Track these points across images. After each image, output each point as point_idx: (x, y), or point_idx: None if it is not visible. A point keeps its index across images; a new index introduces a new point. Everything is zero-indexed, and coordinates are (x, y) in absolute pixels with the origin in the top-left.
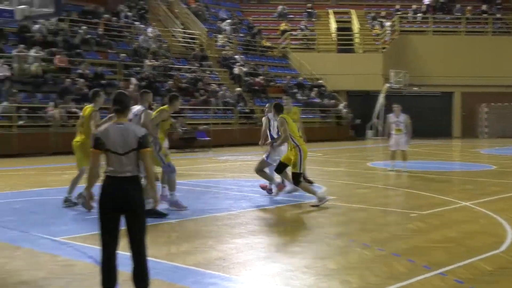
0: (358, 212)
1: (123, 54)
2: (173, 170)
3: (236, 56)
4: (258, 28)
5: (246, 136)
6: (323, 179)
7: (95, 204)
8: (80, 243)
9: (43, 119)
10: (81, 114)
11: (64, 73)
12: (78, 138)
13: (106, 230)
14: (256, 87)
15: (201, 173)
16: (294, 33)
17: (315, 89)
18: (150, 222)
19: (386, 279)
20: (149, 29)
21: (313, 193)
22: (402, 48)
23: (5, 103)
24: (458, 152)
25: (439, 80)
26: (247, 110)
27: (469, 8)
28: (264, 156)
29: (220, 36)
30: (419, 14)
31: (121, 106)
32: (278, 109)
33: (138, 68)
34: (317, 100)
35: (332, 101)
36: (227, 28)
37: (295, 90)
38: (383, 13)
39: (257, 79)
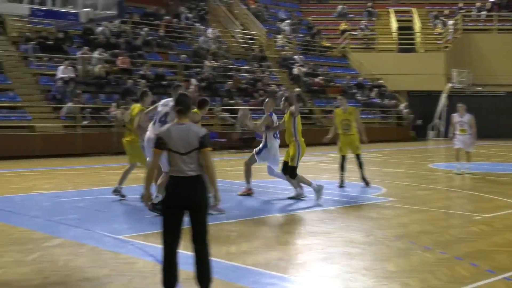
0: (419, 214)
1: (184, 55)
2: None
3: (295, 57)
4: (317, 28)
5: (305, 136)
6: (383, 180)
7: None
8: (141, 241)
9: (106, 119)
10: (129, 112)
11: (126, 74)
12: (127, 137)
13: (169, 229)
14: (315, 88)
15: (260, 174)
16: (354, 32)
17: (375, 89)
18: (210, 221)
19: (448, 283)
20: (209, 30)
21: (309, 184)
22: (465, 47)
23: (69, 104)
24: None
25: (503, 79)
26: (306, 111)
27: None
28: (254, 150)
29: (279, 36)
30: (483, 12)
31: (183, 106)
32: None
33: (198, 69)
34: (377, 101)
35: (393, 102)
36: (287, 28)
37: (355, 90)
38: (446, 12)
39: (316, 80)
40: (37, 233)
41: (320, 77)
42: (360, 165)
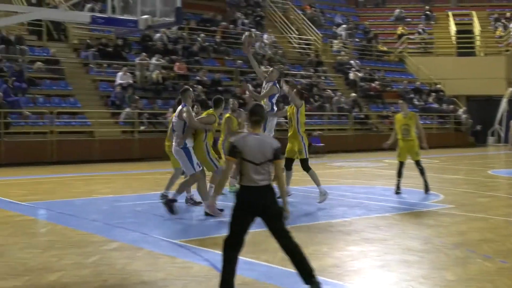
0: (478, 221)
1: (240, 61)
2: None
3: (352, 61)
4: (374, 33)
5: (361, 142)
6: (441, 186)
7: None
8: (197, 246)
9: (163, 124)
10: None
11: (182, 80)
12: (168, 143)
13: (236, 234)
14: (371, 93)
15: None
16: (411, 36)
17: (433, 94)
18: (262, 227)
19: None
20: (265, 36)
21: (319, 184)
22: None
23: (127, 109)
24: None
25: None
26: (362, 116)
27: None
28: None
29: (335, 41)
30: None
31: (259, 117)
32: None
33: (253, 75)
34: (435, 106)
35: (451, 107)
36: (343, 33)
37: (412, 95)
38: (507, 14)
39: (373, 84)
40: (96, 236)
41: (377, 82)
42: (422, 171)
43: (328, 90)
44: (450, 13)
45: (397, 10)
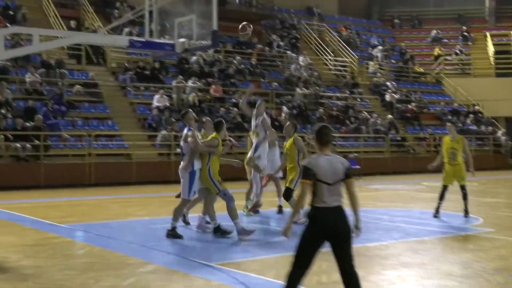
0: None
1: (275, 83)
2: (230, 198)
3: (388, 83)
4: (410, 54)
5: (398, 164)
6: (480, 210)
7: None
8: (233, 269)
9: None
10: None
11: (219, 103)
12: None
13: (305, 256)
14: (408, 114)
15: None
16: (448, 57)
17: (471, 115)
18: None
19: None
20: (301, 58)
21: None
22: None
23: (163, 132)
24: None
25: None
26: (398, 138)
27: None
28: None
29: (371, 63)
30: None
31: (328, 138)
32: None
33: (289, 97)
34: (473, 127)
35: (490, 128)
36: (379, 54)
37: (450, 117)
38: None
39: (410, 106)
40: (132, 258)
41: (413, 104)
42: (465, 195)
43: (364, 112)
44: (488, 33)
45: (434, 31)
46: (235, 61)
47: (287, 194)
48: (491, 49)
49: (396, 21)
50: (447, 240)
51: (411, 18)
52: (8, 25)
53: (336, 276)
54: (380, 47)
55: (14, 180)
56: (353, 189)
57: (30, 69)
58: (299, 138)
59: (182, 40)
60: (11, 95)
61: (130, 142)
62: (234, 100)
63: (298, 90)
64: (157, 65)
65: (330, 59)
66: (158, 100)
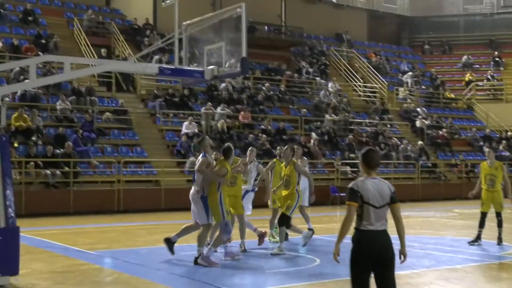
0: None
1: (304, 110)
2: (227, 232)
3: (418, 109)
4: (441, 80)
5: (429, 191)
6: None
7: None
8: None
9: None
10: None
11: (247, 129)
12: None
13: (361, 284)
14: (439, 140)
15: None
16: (480, 83)
17: (504, 141)
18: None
19: None
20: (330, 84)
21: (300, 232)
22: None
23: (192, 158)
24: None
25: None
26: (429, 165)
27: None
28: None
29: (401, 89)
30: None
31: (375, 162)
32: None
33: (318, 123)
34: (507, 153)
35: None
36: (409, 80)
37: (482, 143)
38: None
39: (441, 132)
40: (160, 285)
41: (444, 130)
42: (500, 222)
43: (394, 138)
44: None
45: (465, 57)
46: (264, 88)
47: (283, 221)
48: None
49: (426, 47)
50: (480, 268)
51: (441, 43)
52: (40, 53)
53: None
54: (410, 73)
55: (44, 206)
56: (399, 214)
57: (61, 96)
58: (299, 163)
59: (211, 67)
60: (42, 122)
61: (159, 169)
62: (263, 127)
63: (327, 116)
64: (186, 92)
65: (359, 85)
66: (187, 127)
